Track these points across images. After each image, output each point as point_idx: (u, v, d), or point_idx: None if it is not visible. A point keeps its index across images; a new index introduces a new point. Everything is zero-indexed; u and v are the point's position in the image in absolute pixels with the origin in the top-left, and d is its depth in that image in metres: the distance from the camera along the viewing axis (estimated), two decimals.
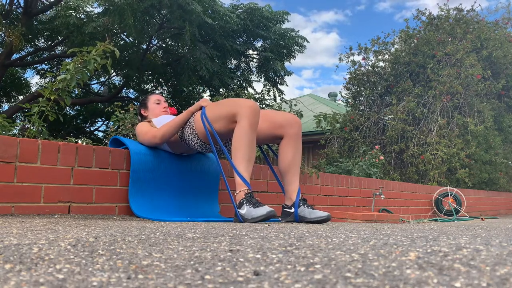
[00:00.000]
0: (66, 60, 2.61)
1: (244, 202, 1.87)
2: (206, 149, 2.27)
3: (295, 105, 4.44)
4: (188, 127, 2.24)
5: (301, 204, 2.04)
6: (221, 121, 2.06)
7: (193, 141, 2.23)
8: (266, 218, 1.81)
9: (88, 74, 2.55)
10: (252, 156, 1.98)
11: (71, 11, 7.43)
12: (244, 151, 1.95)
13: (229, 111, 2.02)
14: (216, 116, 2.08)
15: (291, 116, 2.20)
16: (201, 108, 2.21)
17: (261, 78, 9.72)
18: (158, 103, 2.57)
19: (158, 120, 2.41)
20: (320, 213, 1.99)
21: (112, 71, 10.09)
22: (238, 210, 1.88)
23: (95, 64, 2.49)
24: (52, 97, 2.47)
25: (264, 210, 1.81)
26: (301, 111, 3.72)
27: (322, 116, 3.80)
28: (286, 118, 2.18)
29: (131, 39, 8.77)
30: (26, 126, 2.72)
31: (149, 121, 2.42)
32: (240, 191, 1.91)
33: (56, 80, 2.49)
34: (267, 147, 2.53)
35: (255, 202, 1.85)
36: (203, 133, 2.17)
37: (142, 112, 2.60)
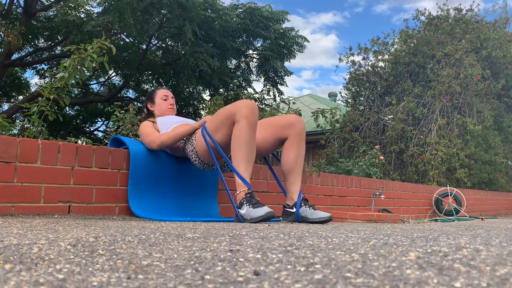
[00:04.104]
0: (65, 60, 2.61)
1: (244, 202, 1.87)
2: (204, 167, 2.26)
3: (294, 103, 4.42)
4: (190, 143, 2.24)
5: (302, 204, 2.04)
6: (221, 129, 2.04)
7: (192, 158, 2.24)
8: (265, 219, 1.80)
9: (87, 72, 2.55)
10: (252, 156, 1.97)
11: (71, 11, 7.43)
12: (244, 151, 1.94)
13: (227, 113, 2.01)
14: (216, 124, 2.07)
15: (294, 117, 2.19)
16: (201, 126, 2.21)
17: (261, 78, 9.73)
18: (165, 99, 2.55)
19: (163, 120, 2.40)
20: (322, 214, 1.99)
21: (112, 71, 10.09)
22: (238, 210, 1.88)
23: (92, 62, 2.48)
24: (51, 97, 2.47)
25: (263, 210, 1.80)
26: (299, 109, 3.71)
27: (319, 112, 3.73)
28: (289, 119, 2.18)
29: (131, 39, 8.77)
30: (25, 126, 2.72)
31: (153, 121, 2.41)
32: (240, 192, 1.91)
33: (55, 79, 2.49)
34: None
35: (255, 203, 1.85)
36: (203, 150, 2.15)
37: (149, 106, 2.58)
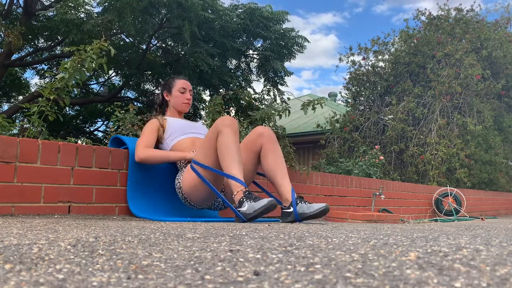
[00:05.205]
0: (65, 60, 2.61)
1: (244, 200, 1.88)
2: (187, 204, 2.26)
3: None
4: (177, 179, 2.26)
5: (298, 202, 2.05)
6: (210, 151, 2.06)
7: (177, 190, 2.25)
8: (268, 208, 1.82)
9: (87, 73, 2.55)
10: (241, 158, 2.01)
11: (71, 10, 7.44)
12: (233, 155, 1.97)
13: (211, 133, 2.05)
14: (204, 149, 2.09)
15: (260, 127, 2.25)
16: (191, 159, 2.22)
17: (261, 78, 9.72)
18: (182, 92, 2.53)
19: (172, 124, 2.39)
20: (317, 205, 2.01)
21: (112, 71, 10.08)
22: (240, 209, 1.89)
23: (92, 63, 2.48)
24: (51, 97, 2.47)
25: (264, 201, 1.83)
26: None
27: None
28: (257, 130, 2.23)
29: (131, 39, 8.77)
30: (25, 126, 2.72)
31: (161, 123, 2.38)
32: (238, 192, 1.92)
33: (55, 80, 2.49)
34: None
35: (255, 198, 1.87)
36: (190, 187, 2.15)
37: (165, 95, 2.56)
